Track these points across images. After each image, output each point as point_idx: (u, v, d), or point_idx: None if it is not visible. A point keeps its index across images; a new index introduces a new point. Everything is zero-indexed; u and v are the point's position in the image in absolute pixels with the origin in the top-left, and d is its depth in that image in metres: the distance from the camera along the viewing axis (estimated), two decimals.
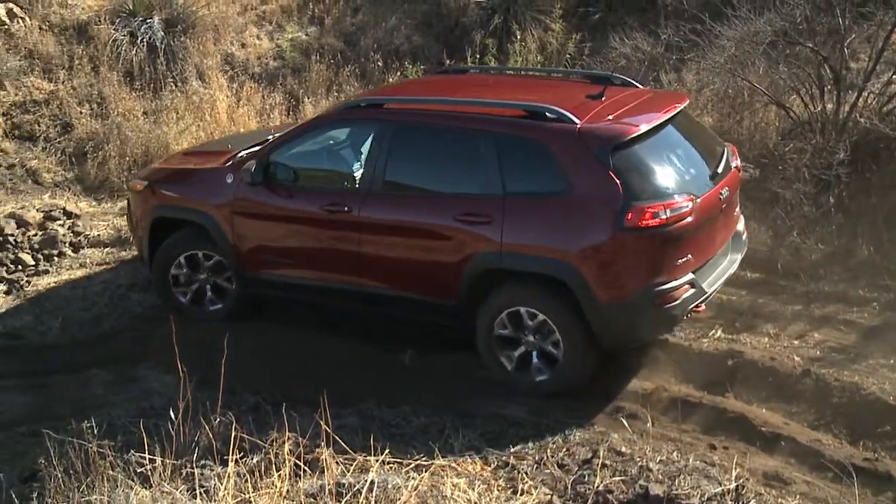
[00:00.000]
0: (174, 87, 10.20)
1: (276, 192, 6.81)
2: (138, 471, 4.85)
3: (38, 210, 8.83)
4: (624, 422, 5.80)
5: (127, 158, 9.43)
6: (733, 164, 6.75)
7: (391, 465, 4.98)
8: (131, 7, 10.46)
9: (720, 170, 6.47)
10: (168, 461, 4.89)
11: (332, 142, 7.09)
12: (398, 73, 10.51)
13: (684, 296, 5.99)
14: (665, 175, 6.03)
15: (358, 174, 6.76)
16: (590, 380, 6.32)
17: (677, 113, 6.48)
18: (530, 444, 5.57)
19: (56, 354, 7.14)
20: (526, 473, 5.21)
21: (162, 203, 7.31)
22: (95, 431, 4.95)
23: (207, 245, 7.17)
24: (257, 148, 7.23)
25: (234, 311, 7.25)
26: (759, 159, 8.65)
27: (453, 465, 5.19)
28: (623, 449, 5.43)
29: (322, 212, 6.66)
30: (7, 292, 7.94)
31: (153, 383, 6.61)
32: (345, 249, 6.64)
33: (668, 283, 5.89)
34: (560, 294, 6.02)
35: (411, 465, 5.03)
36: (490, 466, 5.32)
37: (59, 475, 4.67)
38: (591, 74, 7.77)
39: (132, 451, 4.98)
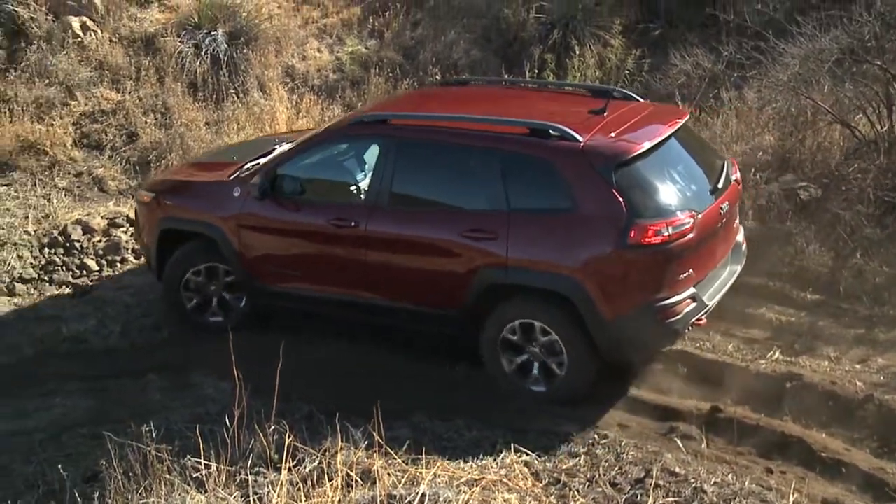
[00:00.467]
0: (236, 99, 10.39)
1: (283, 205, 6.91)
2: (194, 476, 4.94)
3: (102, 217, 9.03)
4: (678, 442, 5.72)
5: None
6: (733, 178, 6.83)
7: (443, 479, 4.99)
8: (197, 20, 10.69)
9: (720, 184, 6.55)
10: (223, 467, 4.97)
11: (338, 156, 7.14)
12: None
13: (686, 310, 6.08)
14: (667, 192, 6.12)
15: (364, 189, 6.82)
16: (643, 399, 6.28)
17: (678, 128, 6.55)
18: (582, 462, 5.52)
19: (116, 359, 7.28)
20: (577, 491, 5.17)
21: (169, 215, 7.39)
22: (154, 435, 5.05)
23: (215, 257, 7.24)
24: (263, 160, 7.30)
25: (238, 325, 7.18)
26: (820, 179, 8.51)
27: (504, 480, 5.17)
28: (677, 469, 5.36)
29: (329, 226, 6.74)
30: (72, 296, 8.15)
31: (209, 390, 6.69)
32: (352, 262, 6.74)
33: (670, 298, 6.00)
34: (564, 307, 6.12)
35: (462, 480, 5.03)
36: (541, 483, 5.28)
37: (119, 477, 4.77)
38: (592, 88, 7.92)
39: (188, 456, 5.08)
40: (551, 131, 6.19)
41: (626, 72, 10.56)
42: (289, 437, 5.12)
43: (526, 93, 8.05)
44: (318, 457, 5.09)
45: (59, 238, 8.66)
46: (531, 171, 6.24)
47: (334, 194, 6.97)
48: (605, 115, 6.45)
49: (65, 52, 10.04)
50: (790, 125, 9.05)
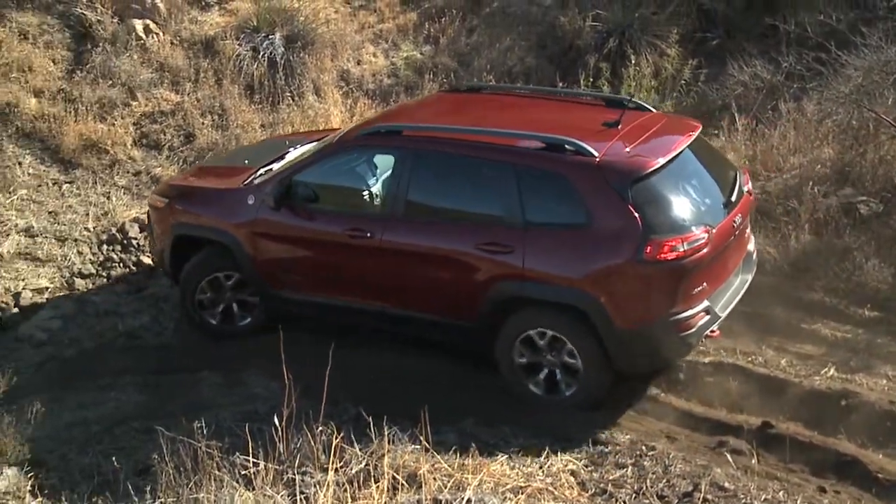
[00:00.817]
0: (291, 102, 10.50)
1: (298, 214, 6.95)
2: (243, 473, 5.00)
3: None
4: (728, 456, 5.65)
5: None
6: (745, 189, 6.83)
7: (488, 485, 4.98)
8: (255, 24, 10.83)
9: (734, 197, 6.56)
10: (271, 466, 5.03)
11: (353, 166, 7.09)
12: None
13: (700, 323, 6.14)
14: (682, 207, 6.13)
15: (380, 200, 6.85)
16: (693, 412, 6.21)
17: (692, 140, 6.55)
18: (629, 472, 5.48)
19: (170, 355, 7.42)
20: (624, 502, 5.13)
21: (183, 221, 7.43)
22: (204, 432, 5.13)
23: (230, 264, 7.31)
24: (275, 165, 7.37)
25: (264, 322, 7.34)
26: (881, 193, 8.33)
27: (550, 488, 5.15)
28: (726, 484, 5.28)
29: (344, 235, 6.78)
30: (129, 293, 8.32)
31: (258, 389, 6.77)
32: (367, 271, 6.79)
33: (684, 311, 6.04)
34: (579, 318, 6.17)
35: (508, 486, 5.02)
36: (587, 493, 5.25)
37: (171, 471, 4.85)
38: (605, 97, 7.87)
39: (237, 454, 5.15)
40: (567, 146, 6.21)
41: (683, 82, 10.45)
42: (336, 438, 5.15)
43: (540, 102, 7.93)
44: (364, 459, 5.12)
45: (117, 235, 8.85)
46: (547, 185, 6.25)
47: (350, 204, 6.98)
48: (620, 127, 6.44)
49: (128, 54, 10.25)
50: (851, 138, 8.88)
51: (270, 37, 10.76)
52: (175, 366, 7.22)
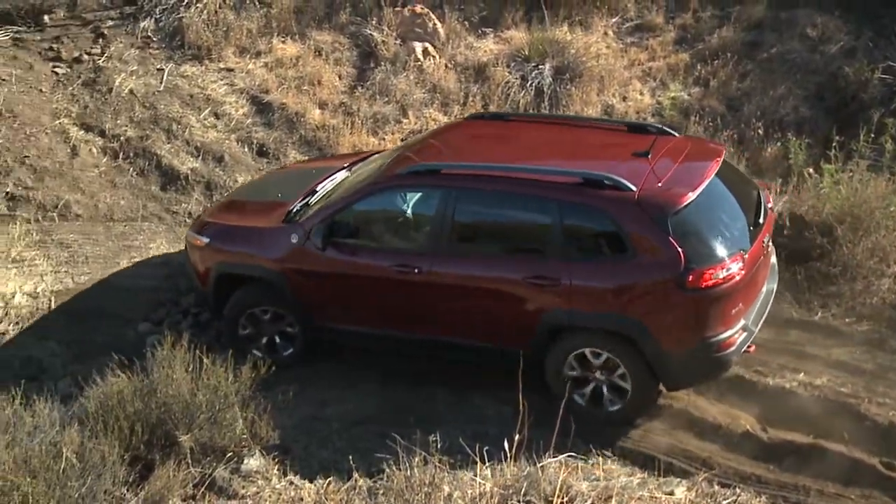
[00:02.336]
0: None
1: (343, 252, 7.08)
2: (468, 492, 5.12)
3: None
4: None
5: None
6: (769, 206, 7.17)
7: None
8: (527, 53, 11.09)
9: (761, 218, 6.91)
10: (496, 489, 5.11)
11: (395, 203, 7.15)
12: (778, 144, 10.11)
13: (738, 340, 6.51)
14: (718, 235, 6.46)
15: (424, 237, 7.00)
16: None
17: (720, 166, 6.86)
18: None
19: (409, 366, 7.69)
20: None
21: (227, 261, 7.57)
22: (438, 446, 5.30)
23: (274, 300, 7.45)
24: (311, 200, 7.53)
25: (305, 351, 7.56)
26: None
27: None
28: None
29: (391, 271, 6.94)
30: None
31: (490, 411, 6.91)
32: (415, 304, 6.99)
33: (724, 332, 6.41)
34: (629, 344, 6.51)
35: None
36: None
37: (403, 478, 5.05)
38: (627, 123, 8.23)
39: (466, 472, 5.28)
40: (605, 181, 6.45)
41: None
42: (563, 472, 5.16)
43: (566, 131, 7.99)
44: (590, 497, 5.08)
45: None
46: (588, 219, 6.58)
47: (394, 241, 7.13)
48: (651, 156, 6.70)
49: (405, 74, 10.84)
50: None
51: (540, 66, 10.97)
52: (413, 378, 7.45)
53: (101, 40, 10.59)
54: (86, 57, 10.39)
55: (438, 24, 11.24)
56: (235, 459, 6.16)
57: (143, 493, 5.72)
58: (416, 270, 6.88)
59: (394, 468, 5.20)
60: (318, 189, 7.83)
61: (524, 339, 6.68)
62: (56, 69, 10.26)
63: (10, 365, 7.69)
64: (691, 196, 6.41)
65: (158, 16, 10.81)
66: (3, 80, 9.87)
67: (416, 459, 5.20)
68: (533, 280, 6.59)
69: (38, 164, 9.31)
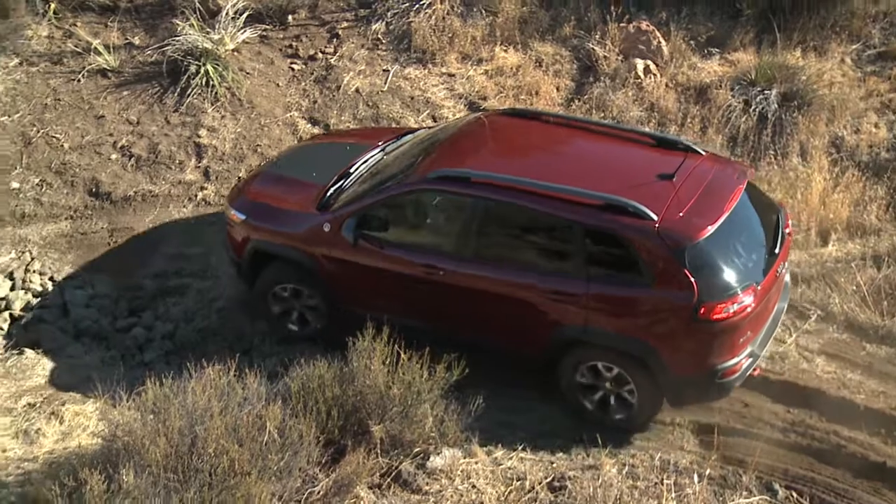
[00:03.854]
0: (772, 160, 10.20)
1: (371, 245, 7.38)
2: None
3: None
4: None
5: None
6: (787, 231, 7.32)
7: None
8: (753, 77, 10.69)
9: (777, 248, 7.03)
10: None
11: (424, 206, 7.42)
12: None
13: (744, 366, 6.80)
14: (733, 269, 6.64)
15: (450, 239, 7.24)
16: None
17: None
18: None
19: None
20: None
21: (262, 238, 7.91)
22: (626, 468, 5.24)
23: (304, 279, 7.81)
24: (346, 183, 7.84)
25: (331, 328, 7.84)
26: None
27: None
28: None
29: (416, 270, 7.24)
30: None
31: (684, 443, 6.76)
32: (439, 301, 7.27)
33: (730, 360, 6.69)
34: (636, 359, 6.79)
35: None
36: None
37: (587, 490, 5.03)
38: (655, 136, 7.96)
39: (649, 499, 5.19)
40: (628, 208, 6.61)
41: None
42: None
43: (596, 140, 7.92)
44: None
45: None
46: (609, 243, 6.75)
47: (421, 240, 7.40)
48: (675, 180, 6.86)
49: (623, 91, 10.72)
50: None
51: (766, 92, 10.54)
52: None
53: (335, 40, 11.17)
54: (320, 55, 11.00)
55: (663, 42, 11.04)
56: (422, 455, 6.34)
57: (334, 476, 6.01)
58: (440, 272, 7.16)
59: (576, 481, 5.19)
60: (351, 171, 8.11)
61: (538, 347, 6.99)
62: (293, 65, 10.92)
63: (225, 338, 8.31)
64: (710, 230, 6.60)
65: (389, 19, 11.26)
66: (248, 73, 10.63)
67: (600, 479, 5.17)
68: (552, 294, 6.88)
69: (267, 152, 9.97)
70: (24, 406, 7.12)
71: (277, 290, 8.06)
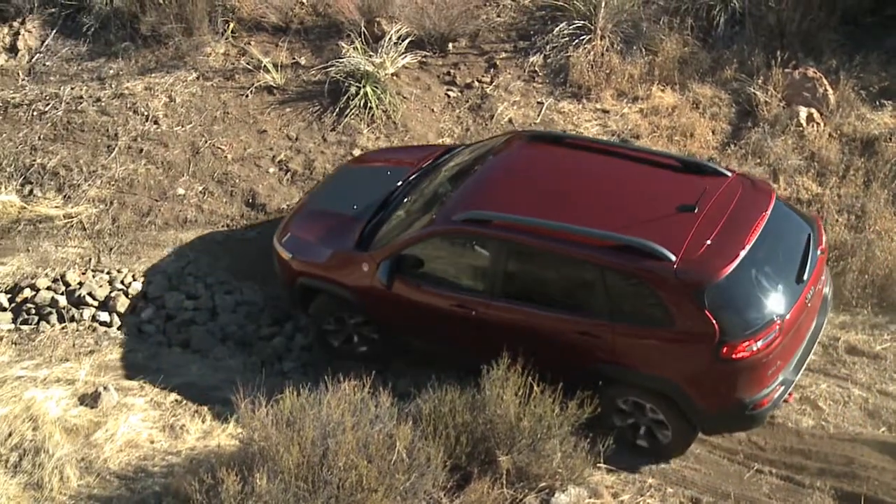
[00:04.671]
0: None
1: (408, 283, 7.64)
2: None
3: None
4: None
5: (867, 276, 9.21)
6: (819, 250, 7.18)
7: None
8: None
9: (807, 274, 6.88)
10: None
11: (453, 246, 7.60)
12: None
13: (775, 396, 6.77)
14: (756, 304, 6.62)
15: (479, 279, 7.45)
16: None
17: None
18: None
19: None
20: None
21: (308, 275, 8.27)
22: None
23: (352, 311, 8.22)
24: (384, 215, 8.16)
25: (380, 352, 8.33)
26: None
27: None
28: None
29: (450, 308, 7.51)
30: None
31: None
32: (471, 335, 7.50)
33: (760, 393, 6.67)
34: (665, 398, 6.87)
35: None
36: None
37: None
38: (681, 159, 7.96)
39: None
40: (646, 251, 6.63)
41: None
42: None
43: (620, 167, 7.89)
44: None
45: None
46: (629, 284, 6.80)
47: (454, 280, 7.60)
48: (696, 211, 6.85)
49: (782, 138, 10.37)
50: None
51: None
52: None
53: (492, 70, 11.32)
54: (476, 84, 11.17)
55: (830, 90, 10.63)
56: (547, 491, 6.29)
57: (458, 502, 6.03)
58: (472, 312, 7.41)
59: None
60: (388, 202, 8.44)
61: (569, 378, 6.85)
62: (449, 92, 11.14)
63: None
64: (731, 267, 6.56)
65: (548, 52, 11.32)
66: (405, 97, 10.90)
67: None
68: (577, 334, 6.99)
69: None
70: (172, 402, 7.48)
71: (328, 321, 8.45)
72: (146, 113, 10.67)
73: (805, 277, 6.88)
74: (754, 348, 6.47)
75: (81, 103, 10.71)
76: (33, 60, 11.26)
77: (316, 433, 6.02)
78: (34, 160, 10.24)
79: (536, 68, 11.29)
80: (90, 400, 7.26)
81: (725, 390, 6.67)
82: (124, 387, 7.56)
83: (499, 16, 11.82)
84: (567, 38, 11.21)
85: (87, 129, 10.52)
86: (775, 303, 6.68)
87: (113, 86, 10.91)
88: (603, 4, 11.05)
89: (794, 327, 6.74)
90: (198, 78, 11.12)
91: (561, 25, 11.25)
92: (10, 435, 6.71)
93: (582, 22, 11.16)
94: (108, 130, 10.53)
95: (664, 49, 11.13)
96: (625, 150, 8.37)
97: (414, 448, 6.10)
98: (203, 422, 7.26)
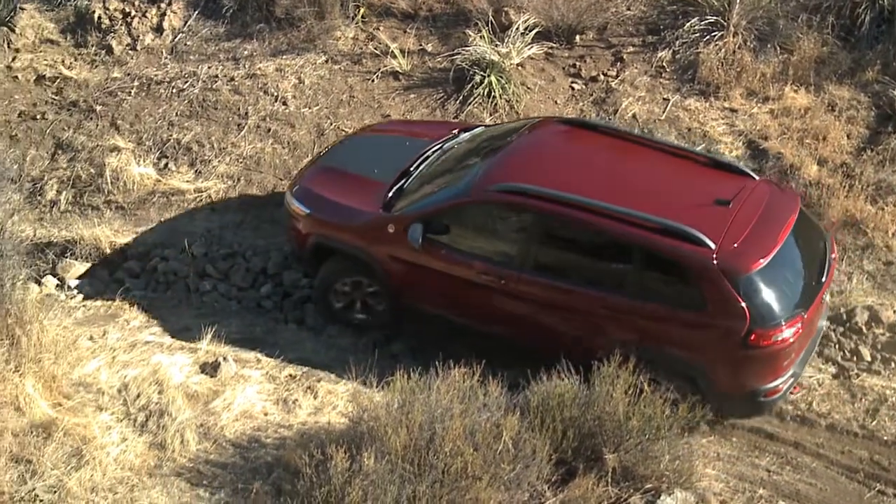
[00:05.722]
0: None
1: (434, 248, 7.62)
2: None
3: (894, 311, 8.80)
4: None
5: None
6: (832, 258, 7.58)
7: None
8: None
9: (824, 276, 7.32)
10: None
11: (485, 215, 7.63)
12: None
13: (785, 387, 7.15)
14: (783, 298, 6.94)
15: (510, 249, 7.49)
16: None
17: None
18: None
19: None
20: None
21: (325, 233, 8.19)
22: None
23: (366, 274, 8.10)
24: (409, 192, 8.01)
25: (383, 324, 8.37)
26: None
27: None
28: None
29: (478, 277, 7.53)
30: (835, 377, 8.19)
31: None
32: (498, 307, 7.54)
33: (773, 382, 7.06)
34: (687, 377, 7.10)
35: None
36: None
37: None
38: (711, 158, 8.23)
39: None
40: (686, 235, 6.87)
41: None
42: None
43: (654, 157, 8.03)
44: None
45: (843, 316, 8.72)
46: (665, 267, 7.02)
47: (483, 249, 7.61)
48: (732, 206, 7.11)
49: None
50: None
51: None
52: None
53: (618, 64, 11.16)
54: (602, 77, 11.03)
55: None
56: (653, 492, 6.21)
57: (561, 496, 6.03)
58: (502, 281, 7.47)
59: None
60: (411, 170, 8.35)
61: (591, 355, 6.82)
62: (573, 84, 11.04)
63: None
64: (766, 260, 6.88)
65: (677, 48, 11.08)
66: (529, 88, 10.87)
67: None
68: (607, 310, 7.14)
69: None
70: (286, 377, 7.71)
71: (339, 285, 8.41)
72: (275, 93, 10.96)
73: (822, 279, 7.32)
74: (779, 338, 6.83)
75: (216, 82, 11.09)
76: (176, 40, 11.71)
77: (424, 417, 6.10)
78: (171, 135, 10.67)
79: (664, 64, 11.07)
80: (210, 369, 7.56)
81: (744, 376, 7.01)
82: (242, 358, 7.82)
83: (629, 9, 11.62)
84: (698, 34, 10.94)
85: (220, 107, 10.89)
86: (800, 297, 7.06)
87: (246, 66, 11.26)
88: (738, 0, 10.73)
89: (809, 324, 7.14)
90: (326, 61, 11.35)
91: (692, 21, 10.98)
92: (138, 396, 7.05)
93: (715, 17, 10.86)
94: (239, 109, 10.87)
95: (800, 48, 10.74)
96: (656, 143, 8.58)
97: (520, 439, 6.12)
98: (315, 398, 7.46)
